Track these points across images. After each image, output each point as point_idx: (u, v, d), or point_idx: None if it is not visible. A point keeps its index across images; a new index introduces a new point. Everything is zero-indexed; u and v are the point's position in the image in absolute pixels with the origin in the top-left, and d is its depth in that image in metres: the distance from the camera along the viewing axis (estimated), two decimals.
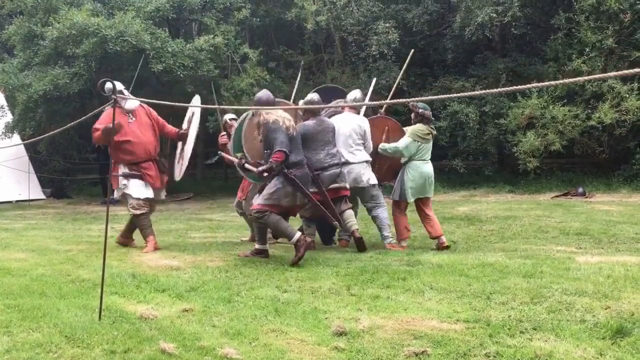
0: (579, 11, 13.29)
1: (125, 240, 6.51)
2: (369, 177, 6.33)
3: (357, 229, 5.98)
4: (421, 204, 6.55)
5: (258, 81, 14.79)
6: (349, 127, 6.36)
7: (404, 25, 15.72)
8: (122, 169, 6.05)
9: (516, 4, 13.33)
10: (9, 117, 15.71)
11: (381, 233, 6.38)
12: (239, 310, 3.68)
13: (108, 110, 5.64)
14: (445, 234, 6.63)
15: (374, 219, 6.44)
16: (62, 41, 13.40)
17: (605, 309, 3.52)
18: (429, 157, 6.62)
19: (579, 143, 13.51)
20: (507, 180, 14.43)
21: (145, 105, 6.33)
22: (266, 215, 5.26)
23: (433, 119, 6.81)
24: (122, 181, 6.02)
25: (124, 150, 6.03)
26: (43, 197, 16.05)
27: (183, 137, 6.45)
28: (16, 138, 15.77)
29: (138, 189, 6.10)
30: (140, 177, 6.09)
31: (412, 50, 7.05)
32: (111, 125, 5.37)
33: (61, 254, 5.91)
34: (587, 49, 13.14)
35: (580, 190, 12.47)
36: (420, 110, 6.48)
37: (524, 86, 3.40)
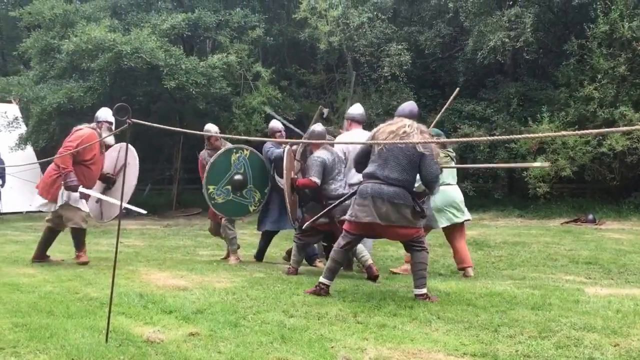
0: (591, 38, 13.31)
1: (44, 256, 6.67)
2: None
3: (373, 263, 5.78)
4: (451, 230, 6.45)
5: (270, 99, 14.91)
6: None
7: (416, 47, 15.82)
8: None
9: (529, 30, 13.38)
10: (22, 129, 15.89)
11: None
12: (245, 336, 3.68)
13: (83, 133, 6.36)
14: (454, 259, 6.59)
15: None
16: (78, 55, 13.60)
17: (614, 346, 3.48)
18: (454, 180, 6.58)
19: (589, 169, 13.45)
20: (516, 204, 14.38)
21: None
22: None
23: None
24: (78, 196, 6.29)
25: (85, 173, 6.35)
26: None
27: (106, 180, 6.73)
28: (29, 149, 15.95)
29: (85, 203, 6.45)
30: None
31: (457, 89, 7.10)
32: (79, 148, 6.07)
33: (69, 270, 5.94)
34: (599, 76, 13.13)
35: (590, 217, 12.39)
36: (434, 137, 6.50)
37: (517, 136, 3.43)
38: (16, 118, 16.07)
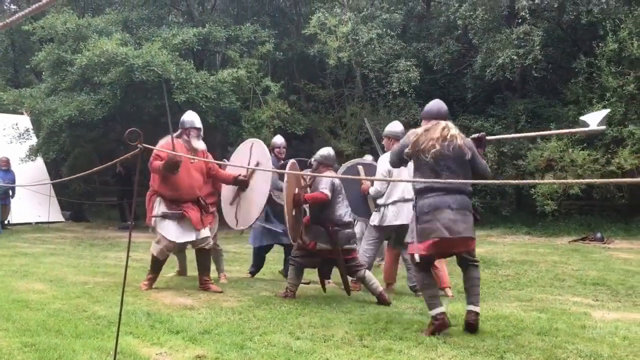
0: (600, 56, 13.33)
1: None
2: None
3: (383, 289, 5.70)
4: None
5: (279, 114, 15.00)
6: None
7: (425, 63, 15.90)
8: (160, 207, 5.79)
9: (537, 47, 13.42)
10: (33, 140, 16.05)
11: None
12: (251, 359, 3.70)
13: (168, 141, 5.70)
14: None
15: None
16: (90, 68, 13.75)
17: None
18: None
19: (598, 187, 13.40)
20: (524, 221, 14.34)
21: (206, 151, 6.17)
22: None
23: None
24: (158, 222, 5.80)
25: (171, 184, 5.72)
26: (62, 219, 16.27)
27: (240, 184, 6.12)
28: (39, 161, 16.10)
29: (174, 231, 5.79)
30: (180, 217, 5.77)
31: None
32: (174, 158, 5.49)
33: (78, 286, 5.98)
34: (608, 94, 13.14)
35: (599, 235, 12.33)
36: None
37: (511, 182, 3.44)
38: (27, 130, 16.23)
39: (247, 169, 6.11)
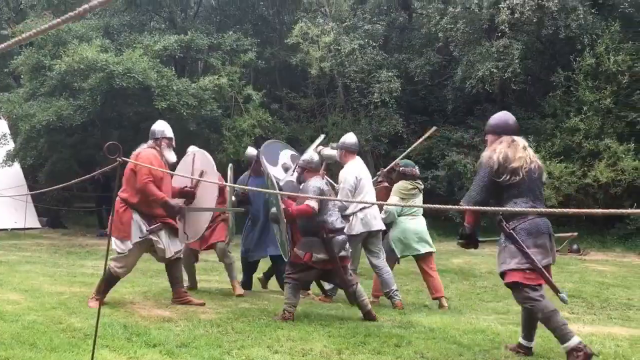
0: (577, 70, 13.58)
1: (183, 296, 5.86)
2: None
3: (371, 308, 5.40)
4: (419, 261, 6.54)
5: (260, 122, 15.00)
6: (367, 172, 6.34)
7: (406, 74, 16.05)
8: (142, 226, 5.45)
9: (516, 60, 13.62)
10: (10, 146, 15.83)
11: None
12: None
13: (149, 155, 5.48)
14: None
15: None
16: (70, 74, 13.62)
17: None
18: (419, 212, 6.63)
19: (574, 199, 13.61)
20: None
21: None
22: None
23: (418, 174, 6.78)
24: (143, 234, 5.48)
25: (152, 202, 5.46)
26: (39, 226, 16.04)
27: (186, 196, 5.87)
28: (16, 166, 15.87)
29: (172, 241, 5.62)
30: (165, 228, 5.57)
31: (434, 128, 7.04)
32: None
33: (54, 297, 5.89)
34: (585, 108, 13.39)
35: (575, 247, 12.52)
36: (400, 168, 6.63)
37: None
38: (4, 135, 16.01)
39: (192, 179, 5.89)
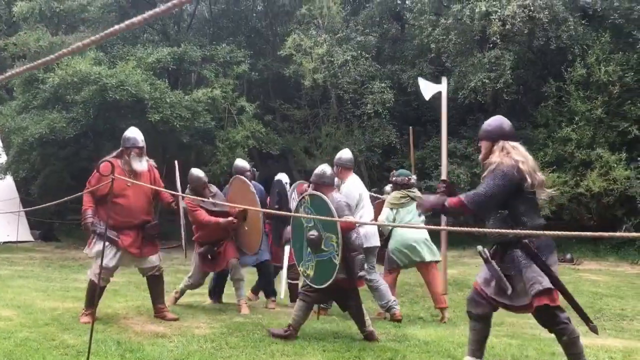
0: (569, 81, 13.69)
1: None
2: None
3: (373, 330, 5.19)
4: (421, 270, 6.52)
5: (253, 134, 15.01)
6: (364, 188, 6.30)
7: (399, 85, 16.14)
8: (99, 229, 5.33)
9: (508, 71, 13.73)
10: (3, 159, 15.77)
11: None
12: None
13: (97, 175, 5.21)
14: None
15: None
16: (63, 87, 13.62)
17: None
18: (415, 220, 6.58)
19: (567, 209, 13.68)
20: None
21: (153, 167, 5.75)
22: None
23: (412, 182, 6.74)
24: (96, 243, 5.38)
25: (115, 210, 5.24)
26: (32, 239, 15.94)
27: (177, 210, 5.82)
28: (9, 179, 15.81)
29: (109, 257, 5.36)
30: (115, 243, 5.37)
31: (411, 128, 7.00)
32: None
33: (47, 313, 5.86)
34: (577, 118, 13.49)
35: (568, 256, 12.57)
36: (393, 178, 6.65)
37: None
38: None
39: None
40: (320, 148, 16.56)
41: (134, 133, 5.63)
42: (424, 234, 6.54)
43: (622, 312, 7.20)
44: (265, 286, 7.01)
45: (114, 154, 5.58)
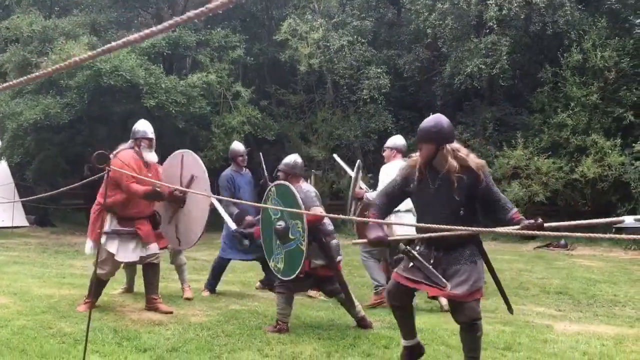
0: (565, 66, 13.67)
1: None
2: None
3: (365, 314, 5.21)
4: None
5: (249, 119, 14.97)
6: None
7: (395, 70, 16.09)
8: (112, 224, 5.39)
9: (504, 57, 13.70)
10: None
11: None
12: None
13: (127, 156, 5.40)
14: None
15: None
16: (57, 72, 13.49)
17: None
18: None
19: (562, 195, 13.75)
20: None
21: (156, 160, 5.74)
22: None
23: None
24: (108, 239, 5.36)
25: (131, 200, 5.34)
26: (26, 224, 15.91)
27: (176, 201, 5.69)
28: (3, 164, 15.75)
29: (123, 250, 5.40)
30: (133, 235, 5.42)
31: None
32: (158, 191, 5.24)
33: (43, 300, 5.87)
34: (572, 104, 13.50)
35: (563, 242, 12.63)
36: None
37: None
38: None
39: (181, 188, 5.56)
40: (316, 134, 16.54)
41: (143, 125, 5.70)
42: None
43: (615, 297, 7.26)
44: (273, 278, 6.96)
45: (126, 145, 5.60)
